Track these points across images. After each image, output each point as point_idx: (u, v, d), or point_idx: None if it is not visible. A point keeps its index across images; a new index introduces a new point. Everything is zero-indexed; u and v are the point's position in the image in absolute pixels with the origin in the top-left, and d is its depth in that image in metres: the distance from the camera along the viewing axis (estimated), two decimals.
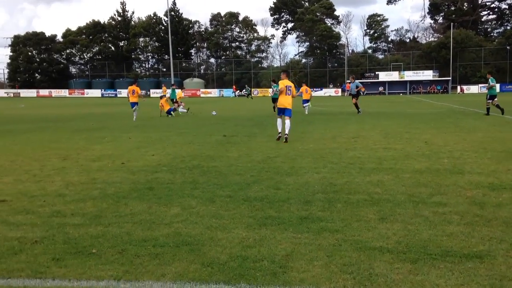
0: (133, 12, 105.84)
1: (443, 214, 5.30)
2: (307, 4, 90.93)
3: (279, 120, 12.73)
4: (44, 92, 79.91)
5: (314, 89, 72.10)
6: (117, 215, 5.41)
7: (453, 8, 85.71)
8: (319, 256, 4.09)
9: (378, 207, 5.63)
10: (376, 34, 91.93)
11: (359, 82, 25.81)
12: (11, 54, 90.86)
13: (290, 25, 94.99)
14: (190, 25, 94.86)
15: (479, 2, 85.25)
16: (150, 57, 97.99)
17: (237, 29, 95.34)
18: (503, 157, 9.18)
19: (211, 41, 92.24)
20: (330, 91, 71.66)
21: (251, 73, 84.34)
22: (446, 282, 3.54)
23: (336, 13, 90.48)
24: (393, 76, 71.79)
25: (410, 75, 71.12)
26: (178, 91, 26.71)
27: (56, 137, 14.06)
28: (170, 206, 5.79)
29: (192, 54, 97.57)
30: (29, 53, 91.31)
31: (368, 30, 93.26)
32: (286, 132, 12.31)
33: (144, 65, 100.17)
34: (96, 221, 5.20)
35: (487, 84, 21.92)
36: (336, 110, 27.90)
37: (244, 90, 67.42)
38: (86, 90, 78.60)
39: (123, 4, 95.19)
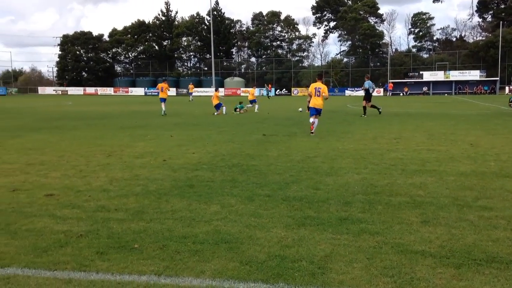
0: (176, 12, 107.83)
1: (489, 219, 5.13)
2: (350, 2, 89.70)
3: (311, 120, 14.32)
4: (90, 90, 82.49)
5: (356, 88, 71.20)
6: (158, 211, 5.53)
7: (503, 6, 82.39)
8: (359, 258, 4.04)
9: (420, 210, 5.50)
10: (421, 33, 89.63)
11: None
12: (60, 53, 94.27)
13: (332, 23, 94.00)
14: (232, 25, 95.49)
15: None
16: (192, 56, 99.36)
17: (279, 28, 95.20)
18: None
19: (252, 40, 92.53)
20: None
21: (291, 72, 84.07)
22: None
23: (380, 11, 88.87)
24: (438, 76, 69.82)
25: (455, 75, 68.94)
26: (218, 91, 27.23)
27: (101, 134, 14.50)
28: (209, 204, 5.86)
29: (233, 53, 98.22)
30: (77, 52, 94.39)
31: (412, 29, 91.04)
32: (313, 130, 14.06)
33: (186, 64, 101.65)
34: (138, 216, 5.33)
35: None
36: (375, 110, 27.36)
37: (264, 90, 63.31)
38: (130, 89, 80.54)
39: (167, 4, 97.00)
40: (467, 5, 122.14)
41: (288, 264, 3.92)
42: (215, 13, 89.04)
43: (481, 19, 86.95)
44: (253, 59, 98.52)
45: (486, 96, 57.28)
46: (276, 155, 9.87)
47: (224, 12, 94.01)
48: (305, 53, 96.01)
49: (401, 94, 68.84)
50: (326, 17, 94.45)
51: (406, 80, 71.44)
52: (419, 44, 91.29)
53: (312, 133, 14.01)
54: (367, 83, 22.64)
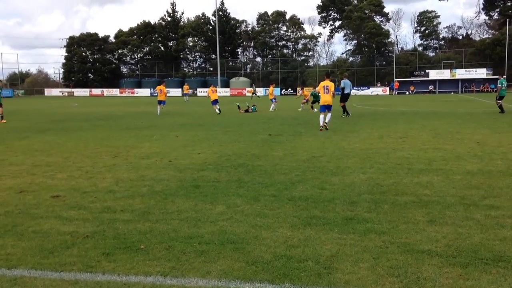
0: (182, 13, 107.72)
1: (495, 218, 5.10)
2: (355, 1, 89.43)
3: (321, 116, 15.41)
4: (96, 91, 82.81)
5: (361, 87, 71.02)
6: (164, 212, 5.54)
7: (509, 4, 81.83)
8: (365, 258, 4.02)
9: (427, 209, 5.48)
10: (427, 31, 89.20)
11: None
12: (66, 54, 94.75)
13: (337, 23, 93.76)
14: (237, 25, 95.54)
15: None
16: (197, 56, 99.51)
17: (284, 28, 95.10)
18: None
19: (258, 40, 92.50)
20: (378, 90, 70.28)
21: (297, 72, 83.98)
22: None
23: (385, 10, 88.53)
24: (444, 74, 69.51)
25: (462, 73, 68.60)
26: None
27: (107, 134, 14.55)
28: (215, 204, 5.87)
29: (239, 53, 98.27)
30: (83, 54, 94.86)
31: (418, 27, 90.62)
32: (326, 121, 15.39)
33: (191, 64, 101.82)
34: (144, 217, 5.35)
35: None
36: (384, 109, 27.31)
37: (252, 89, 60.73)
38: (136, 89, 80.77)
39: (173, 5, 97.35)
40: (473, 3, 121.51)
41: (294, 264, 3.92)
42: (221, 13, 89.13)
43: (488, 16, 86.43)
44: (258, 59, 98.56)
45: (493, 94, 56.80)
46: (282, 155, 9.86)
47: (230, 13, 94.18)
48: (311, 53, 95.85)
49: (407, 93, 68.58)
50: (331, 16, 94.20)
51: (412, 79, 71.17)
52: (425, 43, 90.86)
53: (321, 128, 14.95)
54: (343, 82, 21.54)
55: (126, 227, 4.99)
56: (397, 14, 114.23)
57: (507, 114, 21.03)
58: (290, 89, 73.79)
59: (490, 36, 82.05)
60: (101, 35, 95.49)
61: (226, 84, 78.66)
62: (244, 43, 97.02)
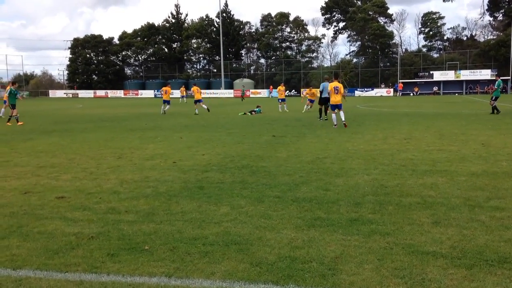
0: (186, 15, 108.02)
1: (500, 219, 5.08)
2: (359, 3, 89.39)
3: (334, 115, 16.49)
4: (100, 92, 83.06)
5: (365, 89, 70.90)
6: (168, 213, 5.55)
7: None
8: (370, 259, 4.02)
9: (431, 211, 5.47)
10: (431, 33, 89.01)
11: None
12: (70, 56, 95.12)
13: (341, 24, 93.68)
14: (241, 26, 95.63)
15: None
16: (201, 58, 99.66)
17: (288, 29, 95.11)
18: None
19: (262, 42, 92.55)
20: (382, 91, 70.16)
21: (301, 73, 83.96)
22: None
23: (389, 11, 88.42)
24: (449, 75, 69.30)
25: (466, 75, 68.36)
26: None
27: (112, 136, 14.59)
28: (219, 205, 5.87)
29: (243, 54, 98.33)
30: (87, 55, 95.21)
31: (422, 29, 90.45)
32: (343, 119, 16.25)
33: (195, 66, 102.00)
34: (149, 218, 5.36)
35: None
36: (388, 110, 27.26)
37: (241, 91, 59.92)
38: (140, 91, 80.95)
39: (177, 6, 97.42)
40: (477, 4, 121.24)
41: (298, 266, 3.91)
42: (224, 15, 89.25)
43: (492, 18, 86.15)
44: (262, 61, 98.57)
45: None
46: (286, 156, 9.86)
47: (233, 14, 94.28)
48: (315, 54, 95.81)
49: (411, 94, 68.44)
50: (335, 17, 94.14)
51: (416, 80, 71.00)
52: (429, 44, 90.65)
53: (335, 126, 16.11)
54: (322, 85, 20.33)
55: (131, 228, 5.00)
56: (401, 15, 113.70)
57: (496, 115, 20.97)
58: (294, 90, 73.68)
59: (494, 37, 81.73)
60: (105, 36, 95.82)
61: (229, 86, 78.73)
62: (248, 44, 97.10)
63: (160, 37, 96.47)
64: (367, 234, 4.67)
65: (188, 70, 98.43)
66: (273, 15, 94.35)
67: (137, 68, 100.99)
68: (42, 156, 10.36)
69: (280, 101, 29.06)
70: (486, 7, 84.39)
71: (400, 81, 71.98)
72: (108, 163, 9.23)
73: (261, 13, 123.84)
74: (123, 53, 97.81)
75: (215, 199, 6.21)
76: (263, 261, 4.03)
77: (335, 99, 16.45)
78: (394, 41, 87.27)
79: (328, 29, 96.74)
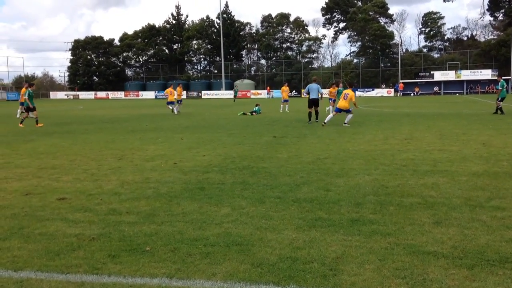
0: (187, 16, 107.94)
1: (502, 219, 5.08)
2: (359, 3, 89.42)
3: (331, 116, 17.65)
4: (101, 94, 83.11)
5: (366, 89, 70.86)
6: (169, 214, 5.55)
7: None
8: (371, 260, 4.02)
9: (432, 211, 5.46)
10: (431, 33, 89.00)
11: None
12: (71, 57, 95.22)
13: (341, 25, 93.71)
14: (242, 27, 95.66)
15: None
16: (202, 59, 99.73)
17: (288, 30, 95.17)
18: None
19: (262, 43, 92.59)
20: (383, 92, 70.13)
21: (301, 74, 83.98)
22: None
23: (390, 11, 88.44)
24: (449, 75, 69.26)
25: (467, 75, 68.32)
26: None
27: (112, 137, 14.60)
28: (220, 206, 5.87)
29: (243, 55, 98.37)
30: (88, 57, 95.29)
31: (423, 29, 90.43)
32: (346, 121, 17.18)
33: (196, 67, 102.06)
34: (150, 219, 5.36)
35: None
36: (388, 110, 27.26)
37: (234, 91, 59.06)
38: (140, 92, 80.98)
39: (178, 8, 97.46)
40: (477, 4, 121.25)
41: (299, 266, 3.91)
42: (225, 16, 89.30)
43: (493, 17, 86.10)
44: (262, 61, 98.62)
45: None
46: (287, 157, 9.86)
47: (234, 15, 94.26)
48: (315, 55, 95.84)
49: (412, 94, 68.42)
50: (335, 18, 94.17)
51: (417, 80, 70.97)
52: (429, 44, 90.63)
53: (323, 124, 17.04)
54: (308, 87, 19.71)
55: (132, 229, 5.00)
56: (401, 15, 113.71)
57: (500, 115, 20.95)
58: (294, 91, 73.69)
59: (495, 37, 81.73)
60: (106, 38, 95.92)
61: (230, 87, 78.75)
62: (249, 45, 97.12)
63: (160, 38, 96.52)
64: (368, 235, 4.67)
65: (189, 71, 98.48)
66: (273, 15, 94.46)
67: (137, 70, 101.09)
68: (43, 157, 10.37)
69: (283, 101, 28.95)
70: (486, 7, 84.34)
71: (401, 81, 71.95)
72: (109, 164, 9.24)
73: (261, 13, 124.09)
74: (124, 54, 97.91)
75: (216, 200, 6.21)
76: (264, 261, 4.03)
77: (341, 103, 17.31)
78: (394, 41, 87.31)
79: (328, 29, 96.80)
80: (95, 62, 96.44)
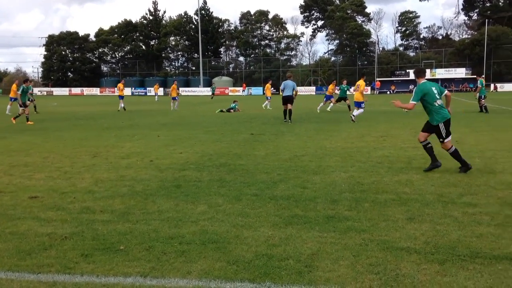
0: (164, 12, 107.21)
1: (473, 215, 5.18)
2: (337, 1, 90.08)
3: (355, 111, 18.10)
4: (76, 90, 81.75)
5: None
6: (144, 212, 5.50)
7: (488, 4, 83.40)
8: (345, 256, 4.05)
9: (406, 207, 5.55)
10: (407, 32, 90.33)
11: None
12: (45, 53, 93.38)
13: (320, 22, 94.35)
14: (220, 24, 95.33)
15: None
16: (180, 55, 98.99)
17: (267, 27, 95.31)
18: None
19: (241, 40, 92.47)
20: None
21: (280, 71, 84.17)
22: (475, 284, 3.46)
23: (367, 10, 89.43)
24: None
25: (442, 73, 69.61)
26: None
27: (87, 134, 14.37)
28: (197, 204, 5.84)
29: (221, 52, 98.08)
30: (63, 52, 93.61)
31: (399, 27, 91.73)
32: (354, 114, 17.68)
33: (173, 63, 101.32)
34: (124, 218, 5.29)
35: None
36: (365, 108, 27.52)
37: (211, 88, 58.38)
38: (116, 89, 79.93)
39: (155, 3, 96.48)
40: (452, 4, 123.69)
41: (275, 263, 3.92)
42: (203, 12, 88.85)
43: (467, 17, 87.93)
44: (241, 59, 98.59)
45: (472, 94, 57.86)
46: (264, 154, 9.87)
47: (212, 12, 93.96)
48: (293, 52, 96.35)
49: (388, 92, 69.28)
50: (314, 16, 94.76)
51: (393, 79, 71.91)
52: (405, 43, 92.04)
53: (353, 120, 17.39)
54: (283, 84, 18.77)
55: (106, 227, 4.93)
56: (378, 14, 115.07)
57: (484, 113, 21.39)
58: (272, 88, 73.86)
59: (469, 36, 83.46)
60: (81, 33, 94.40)
61: (208, 84, 78.40)
62: (227, 42, 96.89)
63: (137, 34, 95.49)
64: (343, 231, 4.71)
65: (166, 68, 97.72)
66: (252, 13, 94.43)
67: (113, 66, 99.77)
68: (15, 155, 10.14)
69: (268, 98, 29.17)
70: (461, 7, 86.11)
71: (377, 79, 72.79)
72: (83, 162, 9.09)
73: (240, 10, 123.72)
74: (100, 50, 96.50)
75: (192, 197, 6.17)
76: (240, 259, 4.02)
77: (358, 96, 18.13)
78: (371, 39, 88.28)
79: (307, 27, 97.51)
80: (70, 57, 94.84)
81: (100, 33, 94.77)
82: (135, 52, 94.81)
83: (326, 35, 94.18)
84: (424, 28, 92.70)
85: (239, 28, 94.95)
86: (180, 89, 75.22)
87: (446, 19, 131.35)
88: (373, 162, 8.66)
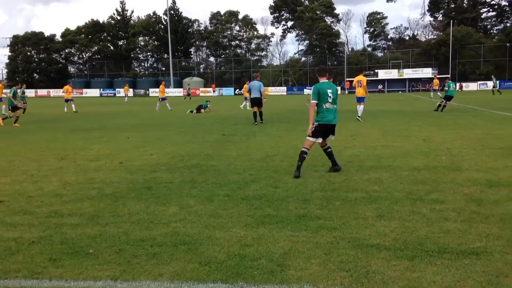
0: (132, 11, 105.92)
1: (440, 211, 5.31)
2: (306, 2, 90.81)
3: (358, 107, 18.06)
4: (42, 92, 79.73)
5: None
6: (114, 215, 5.41)
7: (453, 6, 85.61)
8: (317, 254, 4.09)
9: (376, 205, 5.63)
10: (375, 32, 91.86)
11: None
12: (10, 54, 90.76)
13: (290, 23, 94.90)
14: (190, 24, 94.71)
15: None
16: (149, 56, 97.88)
17: (237, 28, 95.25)
18: (501, 154, 9.18)
19: (211, 40, 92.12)
20: None
21: (250, 72, 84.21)
22: (443, 279, 3.55)
23: (336, 11, 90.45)
24: (392, 74, 71.76)
25: (409, 73, 71.09)
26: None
27: (54, 137, 14.05)
28: (168, 206, 5.79)
29: (192, 53, 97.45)
30: (28, 53, 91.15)
31: (368, 28, 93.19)
32: (359, 114, 17.84)
33: (143, 64, 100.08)
34: (94, 221, 5.20)
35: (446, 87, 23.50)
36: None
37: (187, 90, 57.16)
38: (84, 90, 78.36)
39: (122, 3, 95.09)
40: (418, 5, 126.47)
41: (247, 263, 3.92)
42: (172, 12, 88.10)
43: (433, 18, 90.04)
44: (211, 59, 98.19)
45: (438, 93, 59.21)
46: (236, 154, 9.86)
47: (182, 12, 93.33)
48: (264, 53, 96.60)
49: None
50: (283, 16, 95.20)
51: None
52: (374, 43, 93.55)
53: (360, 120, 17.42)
54: (250, 85, 18.23)
55: (74, 231, 4.83)
56: (347, 15, 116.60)
57: (451, 112, 21.95)
58: (239, 89, 73.90)
59: (435, 36, 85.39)
60: (47, 34, 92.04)
61: (179, 84, 77.78)
62: (197, 42, 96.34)
63: (105, 34, 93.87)
64: (315, 230, 4.75)
65: (136, 69, 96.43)
66: (222, 13, 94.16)
67: (81, 67, 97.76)
68: None
69: (246, 99, 29.32)
70: (427, 8, 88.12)
71: (347, 79, 73.72)
72: (50, 165, 8.88)
73: (209, 11, 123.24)
74: (66, 50, 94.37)
75: (163, 199, 6.11)
76: (212, 260, 4.01)
77: (360, 92, 18.06)
78: (340, 40, 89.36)
79: (277, 28, 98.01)
80: (35, 58, 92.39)
81: (66, 33, 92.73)
82: (103, 52, 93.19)
83: (296, 36, 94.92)
84: (392, 28, 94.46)
85: (209, 28, 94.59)
86: (150, 90, 74.83)
87: (412, 20, 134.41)
88: (344, 161, 8.75)
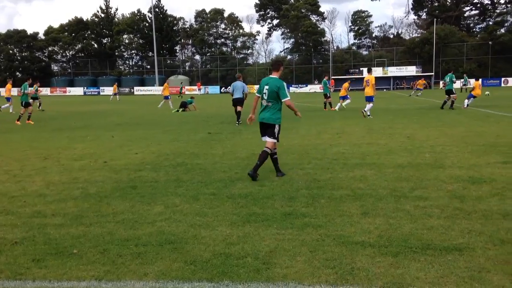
0: (116, 9, 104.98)
1: (424, 208, 5.37)
2: (292, 0, 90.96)
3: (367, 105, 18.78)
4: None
5: (300, 85, 72.36)
6: (99, 215, 5.37)
7: (436, 4, 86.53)
8: (302, 252, 4.11)
9: (360, 202, 5.68)
10: (360, 31, 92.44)
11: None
12: None
13: (275, 21, 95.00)
14: (175, 22, 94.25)
15: None
16: (134, 54, 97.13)
17: (222, 26, 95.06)
18: (483, 151, 9.31)
19: (196, 38, 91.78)
20: (315, 87, 71.81)
21: (236, 70, 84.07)
22: (426, 274, 3.59)
23: (321, 9, 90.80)
24: (377, 72, 72.11)
25: (393, 71, 71.62)
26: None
27: (37, 136, 13.88)
28: (153, 205, 5.76)
29: (177, 51, 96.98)
30: (10, 51, 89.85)
31: (352, 27, 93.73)
32: (365, 109, 18.65)
33: (128, 62, 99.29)
34: (78, 221, 5.15)
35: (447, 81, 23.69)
36: (321, 106, 27.93)
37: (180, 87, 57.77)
38: (68, 88, 77.47)
39: (106, 1, 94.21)
40: (402, 3, 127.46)
41: (233, 262, 3.92)
42: (157, 10, 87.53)
43: (417, 16, 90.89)
44: (197, 57, 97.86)
45: (422, 91, 59.80)
46: (221, 153, 9.84)
47: (167, 10, 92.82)
48: (250, 51, 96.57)
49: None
50: (269, 14, 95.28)
51: (347, 77, 73.32)
52: (359, 42, 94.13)
53: (364, 116, 18.37)
54: (232, 85, 17.67)
55: (58, 231, 4.78)
56: (332, 13, 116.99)
57: (434, 110, 22.21)
58: (229, 87, 73.83)
59: (419, 35, 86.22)
60: (29, 32, 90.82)
61: (164, 83, 77.32)
62: (182, 40, 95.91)
63: (89, 32, 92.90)
64: (301, 227, 4.77)
65: (120, 67, 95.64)
66: (207, 11, 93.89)
67: (64, 65, 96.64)
68: None
69: (167, 98, 29.29)
70: (410, 6, 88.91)
71: (332, 77, 74.05)
72: (33, 165, 8.77)
73: (195, 9, 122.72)
74: (50, 48, 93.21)
75: (148, 198, 6.08)
76: (197, 259, 4.00)
77: (365, 91, 18.89)
78: (326, 38, 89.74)
79: (262, 26, 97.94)
80: (18, 57, 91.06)
81: (49, 31, 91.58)
82: (87, 50, 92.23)
83: (282, 34, 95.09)
84: (376, 27, 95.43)
85: (195, 26, 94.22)
86: (135, 88, 74.30)
87: (396, 19, 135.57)
88: (329, 159, 8.80)
